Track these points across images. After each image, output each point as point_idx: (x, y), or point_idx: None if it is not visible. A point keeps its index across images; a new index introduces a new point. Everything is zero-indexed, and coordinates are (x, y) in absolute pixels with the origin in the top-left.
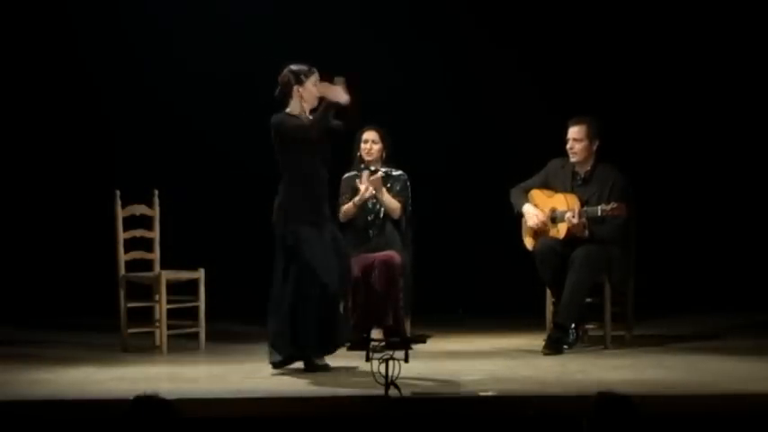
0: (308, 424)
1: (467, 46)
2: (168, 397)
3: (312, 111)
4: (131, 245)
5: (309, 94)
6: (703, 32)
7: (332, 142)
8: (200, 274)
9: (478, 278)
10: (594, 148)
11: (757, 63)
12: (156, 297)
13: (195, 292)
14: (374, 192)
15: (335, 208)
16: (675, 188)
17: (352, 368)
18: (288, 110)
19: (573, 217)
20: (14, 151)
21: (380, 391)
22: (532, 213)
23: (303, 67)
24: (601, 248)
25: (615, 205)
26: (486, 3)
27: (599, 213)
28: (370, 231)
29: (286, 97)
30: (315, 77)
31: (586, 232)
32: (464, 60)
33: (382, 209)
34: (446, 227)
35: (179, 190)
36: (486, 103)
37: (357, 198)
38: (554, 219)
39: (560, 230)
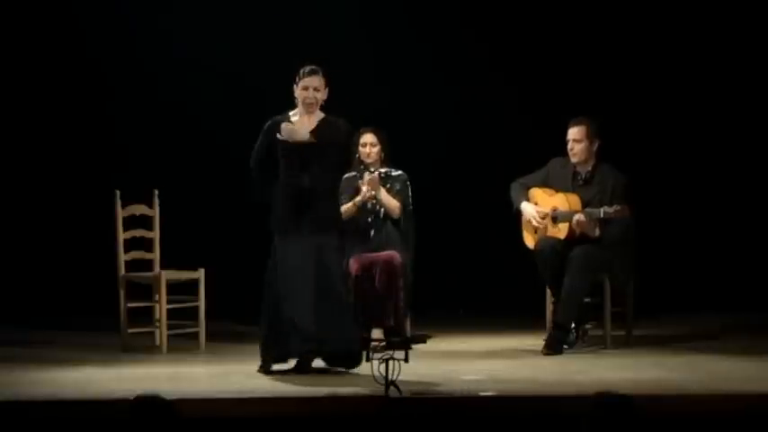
0: (308, 424)
1: (466, 46)
2: (168, 397)
3: (324, 111)
4: (131, 245)
5: (299, 95)
6: (703, 32)
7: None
8: (200, 274)
9: (478, 278)
10: (595, 148)
11: (757, 63)
12: (156, 297)
13: (195, 292)
14: (372, 192)
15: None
16: (675, 188)
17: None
18: (291, 112)
19: (581, 218)
20: (15, 151)
21: (380, 391)
22: (531, 213)
23: (302, 69)
24: (599, 249)
25: (618, 207)
26: (485, 3)
27: (601, 215)
28: (371, 231)
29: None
30: (305, 81)
31: (597, 231)
32: (464, 60)
33: (382, 209)
34: (446, 227)
35: (179, 190)
36: (487, 102)
37: (358, 198)
38: (555, 218)
39: (561, 230)
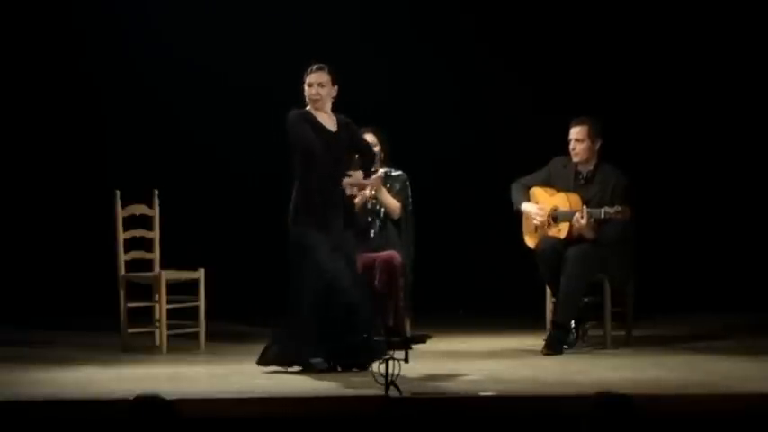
0: (308, 424)
1: (466, 45)
2: (168, 397)
3: (335, 110)
4: (131, 245)
5: (306, 92)
6: (703, 32)
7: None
8: (200, 274)
9: (478, 278)
10: (597, 148)
11: (757, 63)
12: (156, 297)
13: (195, 292)
14: (374, 192)
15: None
16: (675, 188)
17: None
18: (309, 107)
19: (581, 218)
20: (14, 151)
21: (380, 391)
22: (532, 213)
23: (309, 67)
24: (596, 248)
25: (620, 209)
26: (487, 2)
27: (602, 216)
28: (371, 231)
29: None
30: (310, 78)
31: (593, 234)
32: (463, 60)
33: (382, 209)
34: (446, 227)
35: (179, 190)
36: (486, 102)
37: (357, 199)
38: (555, 218)
39: (562, 230)
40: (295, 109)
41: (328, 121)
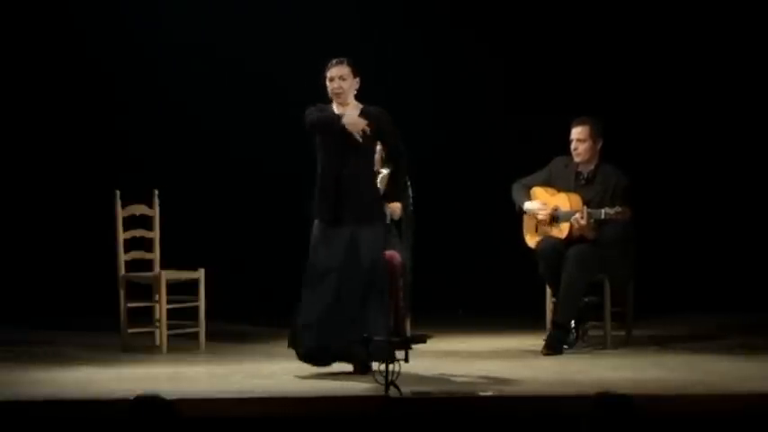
0: (308, 424)
1: (466, 46)
2: (168, 397)
3: (362, 102)
4: (131, 245)
5: (328, 87)
6: (703, 32)
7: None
8: (200, 274)
9: (478, 278)
10: (598, 147)
11: (757, 63)
12: (156, 297)
13: (195, 292)
14: None
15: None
16: (675, 189)
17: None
18: (333, 102)
19: (581, 218)
20: (15, 151)
21: (380, 391)
22: (535, 209)
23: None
24: (595, 248)
25: (620, 209)
26: (486, 3)
27: (602, 216)
28: None
29: None
30: (331, 72)
31: (593, 234)
32: (463, 60)
33: None
34: (446, 227)
35: (179, 190)
36: (486, 102)
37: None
38: (556, 218)
39: (562, 230)
40: (312, 106)
41: (351, 112)
